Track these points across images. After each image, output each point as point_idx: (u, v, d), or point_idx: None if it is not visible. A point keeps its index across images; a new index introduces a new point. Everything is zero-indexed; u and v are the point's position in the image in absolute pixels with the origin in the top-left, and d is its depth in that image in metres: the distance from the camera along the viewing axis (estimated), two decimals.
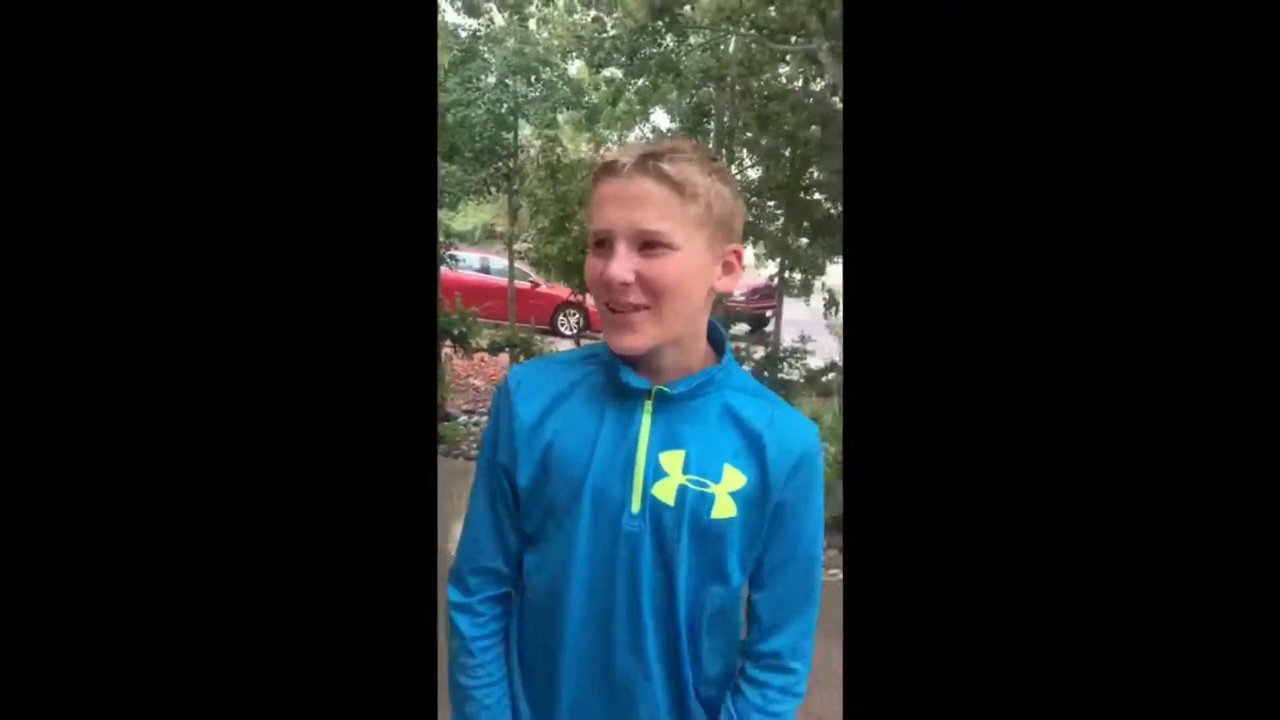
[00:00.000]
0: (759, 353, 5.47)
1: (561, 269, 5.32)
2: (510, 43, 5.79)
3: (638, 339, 0.64)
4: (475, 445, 5.34)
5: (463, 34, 5.88)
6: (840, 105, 4.93)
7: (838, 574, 3.09)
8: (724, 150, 6.07)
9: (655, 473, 0.66)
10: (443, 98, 5.75)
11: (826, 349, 5.67)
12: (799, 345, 5.22)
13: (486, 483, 0.73)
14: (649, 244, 0.63)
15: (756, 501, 0.67)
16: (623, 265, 0.62)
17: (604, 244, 0.64)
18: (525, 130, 6.36)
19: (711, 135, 5.96)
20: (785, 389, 4.82)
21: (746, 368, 5.04)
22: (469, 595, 0.75)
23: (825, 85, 5.44)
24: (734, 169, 6.30)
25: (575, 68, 6.33)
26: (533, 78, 5.77)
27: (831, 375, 5.48)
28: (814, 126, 5.52)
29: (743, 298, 9.56)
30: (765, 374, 4.85)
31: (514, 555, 0.74)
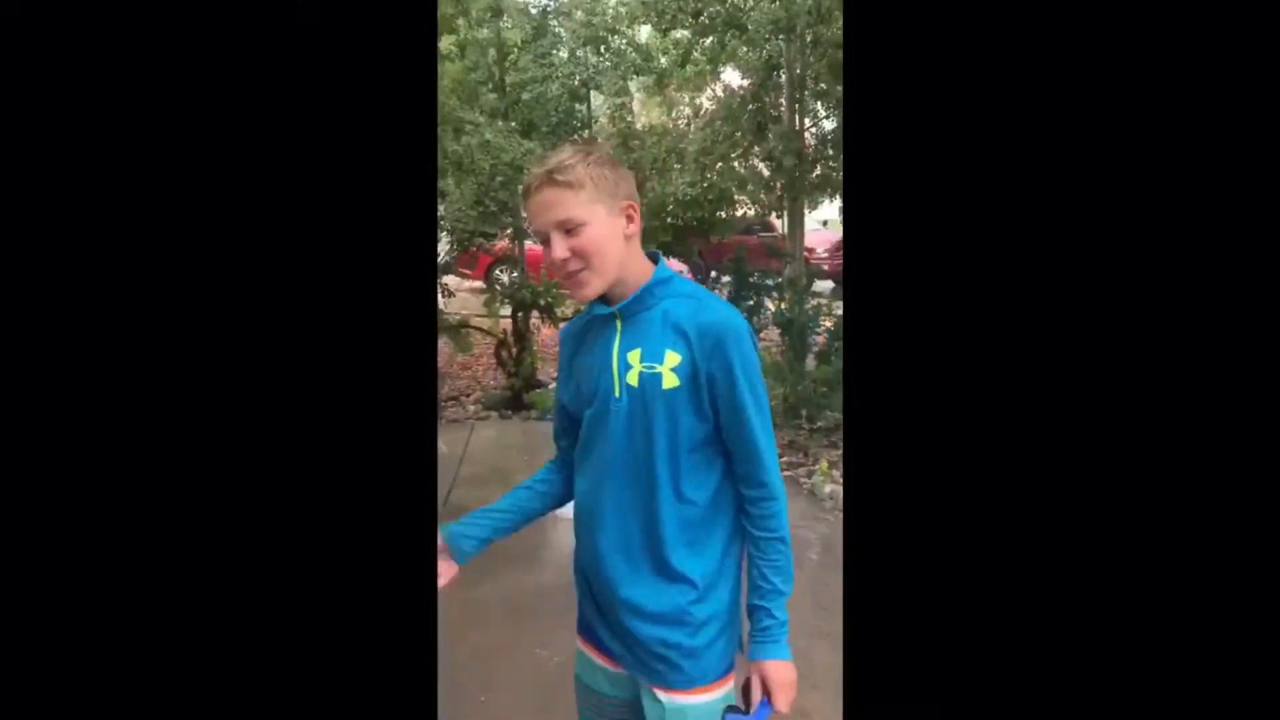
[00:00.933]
0: (839, 308, 5.41)
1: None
2: (579, 14, 5.87)
3: (586, 290, 0.97)
4: None
5: (533, 10, 6.01)
6: None
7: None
8: (796, 104, 5.96)
9: (624, 367, 0.98)
10: (516, 76, 5.92)
11: None
12: None
13: (558, 396, 1.14)
14: (568, 229, 0.93)
15: (690, 373, 0.96)
16: (559, 248, 0.94)
17: (543, 240, 0.96)
18: (597, 100, 6.46)
19: (784, 88, 5.86)
20: None
21: (829, 323, 5.01)
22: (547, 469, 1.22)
23: None
24: (808, 121, 6.17)
25: (644, 33, 6.35)
26: (602, 47, 5.84)
27: None
28: None
29: (825, 254, 9.37)
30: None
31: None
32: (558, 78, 5.83)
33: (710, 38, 5.50)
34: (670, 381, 0.96)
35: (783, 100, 5.92)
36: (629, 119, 5.42)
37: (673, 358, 0.96)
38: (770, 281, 5.61)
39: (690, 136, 5.74)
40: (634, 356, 0.98)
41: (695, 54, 5.86)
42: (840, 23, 5.54)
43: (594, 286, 0.98)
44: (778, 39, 5.59)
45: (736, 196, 5.99)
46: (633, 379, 0.98)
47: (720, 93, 6.34)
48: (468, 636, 2.31)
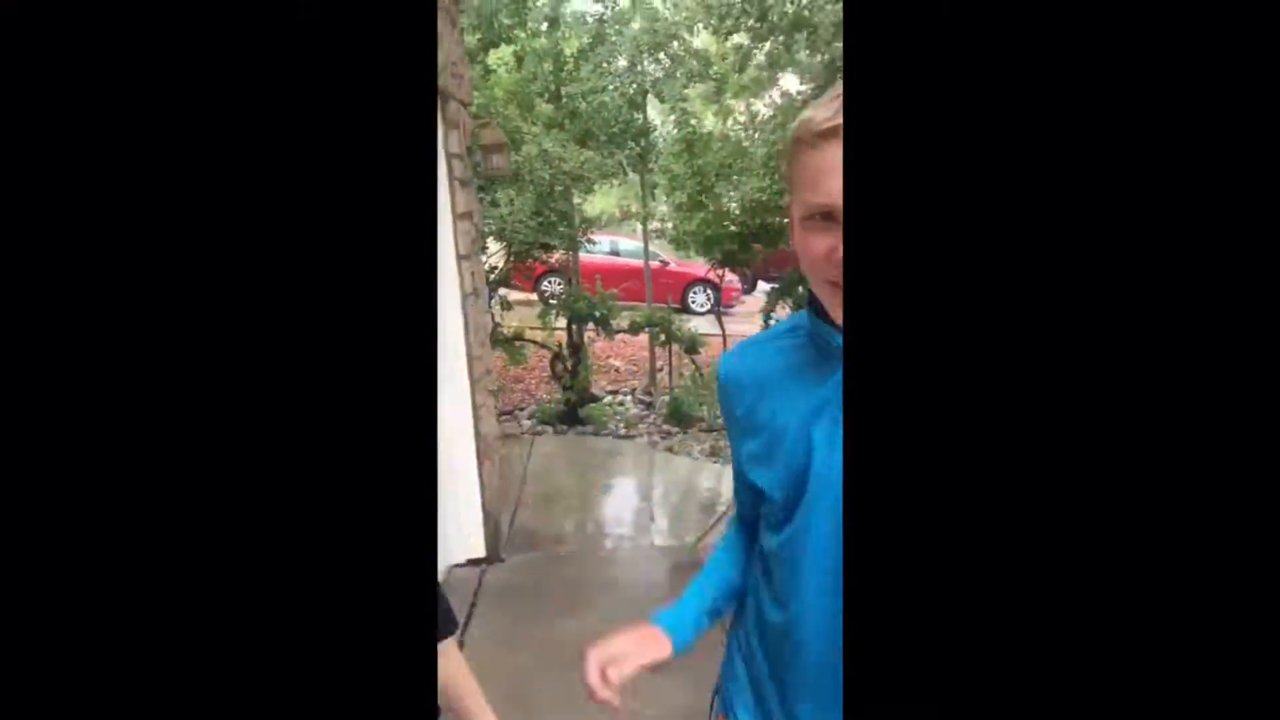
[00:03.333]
0: None
1: (701, 244, 5.29)
2: (636, 23, 5.78)
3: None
4: (621, 424, 5.45)
5: (589, 20, 5.94)
6: None
7: None
8: None
9: (836, 435, 0.64)
10: (575, 87, 5.84)
11: None
12: None
13: (735, 458, 0.80)
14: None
15: None
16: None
17: (832, 217, 0.60)
18: (653, 108, 6.35)
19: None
20: None
21: None
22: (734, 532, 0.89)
23: None
24: None
25: (701, 39, 6.23)
26: (661, 54, 5.74)
27: None
28: None
29: None
30: None
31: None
32: (616, 86, 5.74)
33: (768, 42, 5.37)
34: None
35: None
36: (693, 124, 5.28)
37: None
38: None
39: (756, 139, 5.59)
40: None
41: (757, 57, 5.72)
42: None
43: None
44: (837, 42, 5.44)
45: None
46: None
47: (778, 99, 6.18)
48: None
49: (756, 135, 5.51)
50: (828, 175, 0.59)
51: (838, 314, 0.64)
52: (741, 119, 6.70)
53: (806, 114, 0.63)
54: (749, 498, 0.81)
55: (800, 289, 5.00)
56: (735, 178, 5.43)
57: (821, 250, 0.62)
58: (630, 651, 0.78)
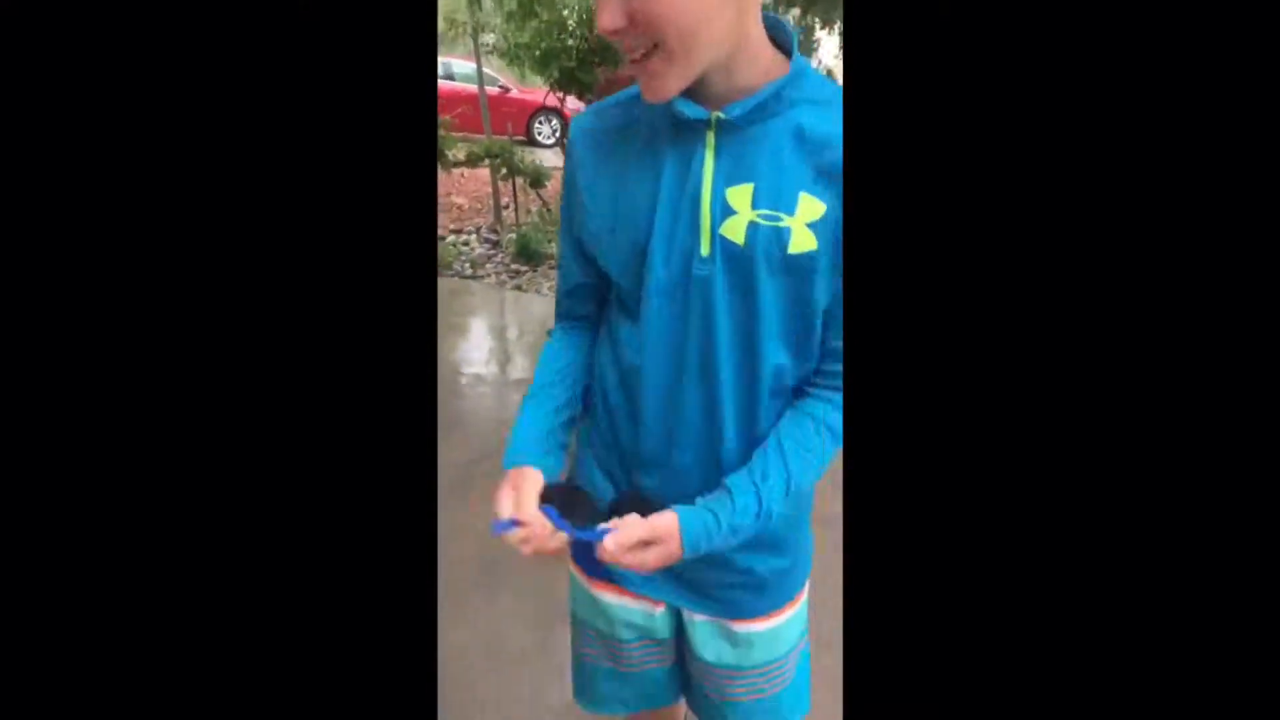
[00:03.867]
0: None
1: (535, 60, 4.80)
2: None
3: (660, 85, 0.58)
4: (468, 264, 5.17)
5: None
6: None
7: None
8: None
9: (723, 210, 0.61)
10: None
11: None
12: None
13: (567, 229, 0.75)
14: None
15: (835, 232, 0.61)
16: (612, 9, 0.53)
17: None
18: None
19: None
20: None
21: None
22: (561, 320, 0.83)
23: None
24: None
25: None
26: None
27: None
28: None
29: None
30: None
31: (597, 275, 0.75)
32: None
33: None
34: (803, 243, 0.61)
35: None
36: None
37: (812, 206, 0.60)
38: None
39: None
40: (740, 196, 0.61)
41: None
42: None
43: (669, 79, 0.58)
44: None
45: None
46: (735, 232, 0.61)
47: None
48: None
49: None
50: None
51: (640, 88, 0.61)
52: None
53: None
54: (583, 278, 0.77)
55: None
56: None
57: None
58: (511, 497, 0.69)
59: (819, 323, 0.66)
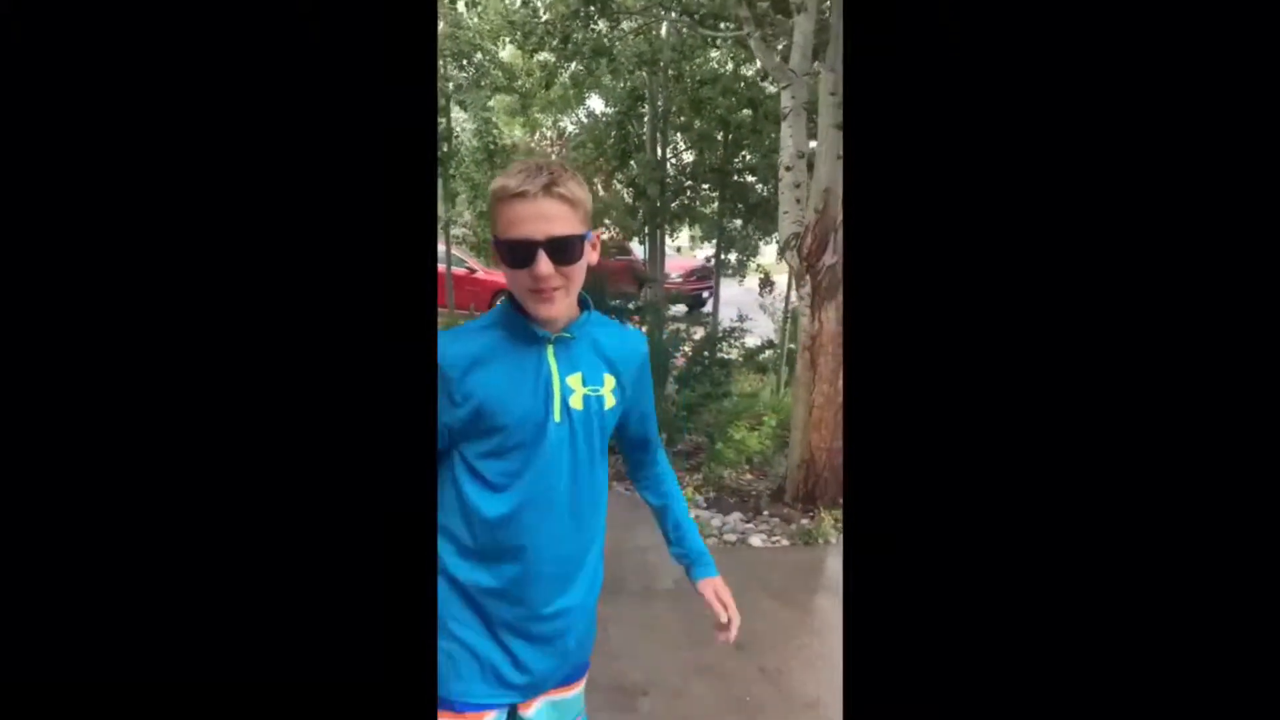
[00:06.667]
0: (698, 333, 5.60)
1: None
2: (442, 26, 5.70)
3: (555, 309, 0.92)
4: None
5: None
6: (770, 89, 5.07)
7: (782, 540, 3.29)
8: (659, 134, 6.14)
9: (566, 391, 0.96)
10: None
11: (763, 328, 5.86)
12: (737, 324, 5.38)
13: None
14: (560, 248, 0.88)
15: (622, 393, 1.02)
16: (546, 264, 0.88)
17: (512, 249, 0.89)
18: (457, 114, 6.28)
19: (646, 119, 6.02)
20: (725, 368, 4.98)
21: (686, 348, 5.17)
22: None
23: (755, 71, 5.57)
24: (669, 153, 6.38)
25: (508, 52, 6.28)
26: (465, 61, 5.70)
27: (768, 353, 5.67)
28: (745, 110, 5.65)
29: (680, 279, 9.69)
30: (705, 354, 4.96)
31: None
32: None
33: (575, 62, 5.55)
34: (610, 402, 1.00)
35: (645, 130, 6.08)
36: (495, 135, 5.29)
37: (609, 381, 1.00)
38: (630, 305, 5.70)
39: (554, 158, 5.72)
40: (575, 381, 0.98)
41: (562, 77, 5.88)
42: (699, 61, 5.82)
43: (561, 309, 0.93)
44: (642, 71, 5.75)
45: (603, 221, 6.04)
46: (576, 402, 0.97)
47: (584, 118, 6.40)
48: None
49: (563, 151, 5.64)
50: (521, 222, 0.89)
51: (535, 310, 0.93)
52: (550, 134, 6.82)
53: (500, 181, 0.91)
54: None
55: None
56: None
57: (520, 274, 0.90)
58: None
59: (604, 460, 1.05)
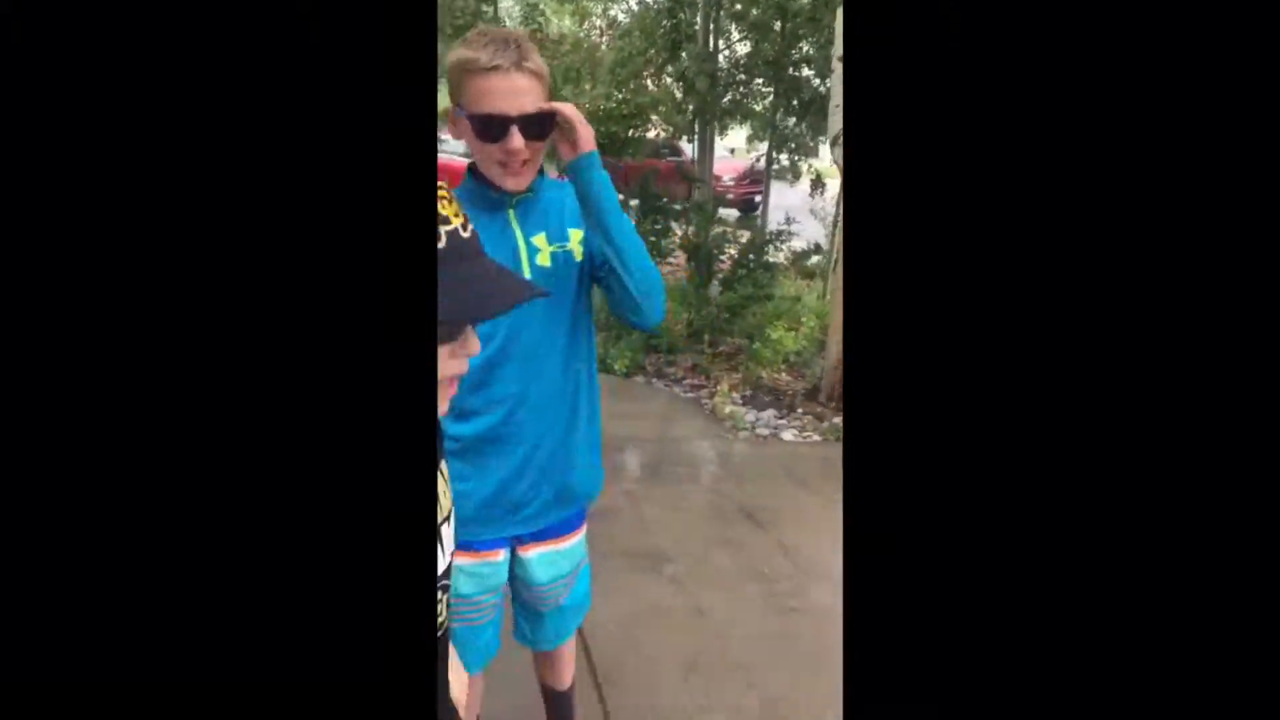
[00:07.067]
0: (744, 236, 5.51)
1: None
2: None
3: (523, 181, 0.99)
4: None
5: None
6: None
7: (814, 436, 3.36)
8: (713, 23, 5.83)
9: (532, 251, 1.02)
10: None
11: (811, 231, 5.73)
12: (784, 227, 5.28)
13: None
14: (533, 122, 0.93)
15: (585, 241, 1.06)
16: (518, 139, 0.93)
17: (484, 122, 0.92)
18: (505, 2, 6.06)
19: (700, 7, 5.70)
20: (770, 271, 4.92)
21: (732, 250, 5.11)
22: None
23: None
24: (722, 44, 6.05)
25: None
26: None
27: (816, 258, 5.58)
28: None
29: (731, 182, 9.42)
30: (751, 257, 4.92)
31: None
32: None
33: None
34: (579, 254, 1.04)
35: (698, 19, 5.78)
36: (540, 23, 5.11)
37: (574, 234, 1.04)
38: (677, 206, 5.60)
39: (604, 49, 5.51)
40: (540, 240, 1.02)
41: None
42: None
43: (526, 181, 0.99)
44: None
45: (649, 118, 5.86)
46: (544, 260, 1.02)
47: (635, 5, 6.10)
48: None
49: (612, 42, 5.42)
50: (493, 96, 0.92)
51: (504, 181, 0.98)
52: (600, 23, 6.56)
53: (466, 53, 0.91)
54: None
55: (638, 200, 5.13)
56: (584, 85, 5.36)
57: (491, 148, 0.94)
58: None
59: (589, 314, 1.13)
